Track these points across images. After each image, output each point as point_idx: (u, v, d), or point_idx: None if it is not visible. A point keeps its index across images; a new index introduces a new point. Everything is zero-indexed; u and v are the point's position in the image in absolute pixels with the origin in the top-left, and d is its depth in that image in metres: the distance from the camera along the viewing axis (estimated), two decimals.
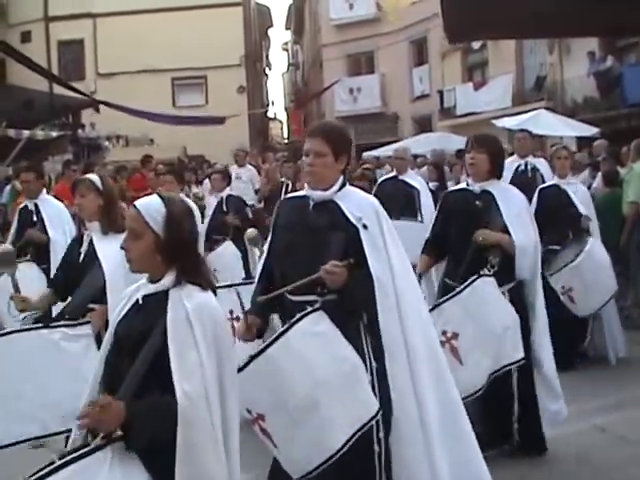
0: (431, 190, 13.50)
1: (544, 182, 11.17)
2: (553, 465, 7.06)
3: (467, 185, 7.15)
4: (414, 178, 12.66)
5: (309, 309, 4.74)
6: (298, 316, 4.67)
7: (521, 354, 6.53)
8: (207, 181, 16.92)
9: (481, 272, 6.51)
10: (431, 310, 5.95)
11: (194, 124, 32.20)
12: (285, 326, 4.71)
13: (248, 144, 35.39)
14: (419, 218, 11.73)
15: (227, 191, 12.84)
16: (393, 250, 5.06)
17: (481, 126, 28.98)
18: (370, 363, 4.86)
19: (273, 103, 71.71)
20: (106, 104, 27.18)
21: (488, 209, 6.86)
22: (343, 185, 5.20)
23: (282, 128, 74.50)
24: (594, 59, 28.36)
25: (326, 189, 5.14)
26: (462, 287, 6.41)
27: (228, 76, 41.84)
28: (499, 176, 7.06)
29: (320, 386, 4.54)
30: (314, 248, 4.98)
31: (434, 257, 7.30)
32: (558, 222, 9.86)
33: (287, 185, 14.59)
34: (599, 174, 13.49)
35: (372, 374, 4.84)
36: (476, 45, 34.80)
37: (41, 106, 26.02)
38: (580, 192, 10.44)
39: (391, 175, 12.95)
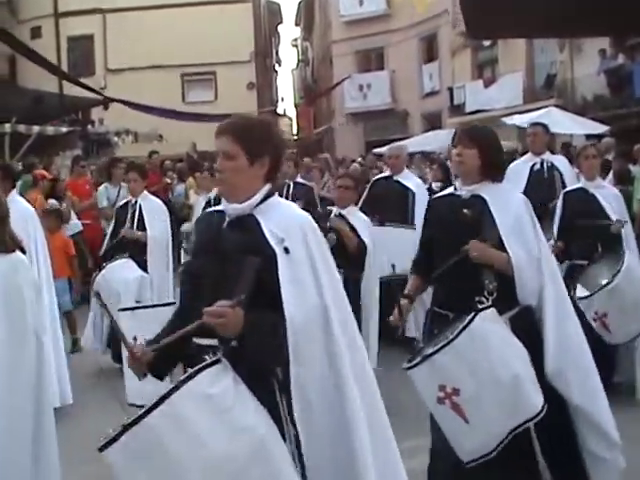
0: (434, 191, 12.57)
1: (563, 182, 9.96)
2: None
3: (455, 189, 5.74)
4: (410, 178, 11.73)
5: (207, 361, 3.70)
6: (193, 370, 3.63)
7: (540, 402, 5.08)
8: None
9: (478, 303, 5.13)
10: (420, 363, 5.00)
11: (205, 121, 32.16)
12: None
13: None
14: (413, 223, 10.72)
15: (215, 191, 11.41)
16: (326, 279, 3.97)
17: (491, 123, 28.95)
18: (289, 430, 3.86)
19: (283, 99, 71.65)
20: (117, 101, 27.17)
21: (479, 219, 5.47)
22: (268, 196, 4.12)
23: (291, 125, 74.40)
24: (605, 57, 28.30)
25: (242, 201, 4.07)
26: (457, 331, 5.00)
27: (238, 72, 41.83)
28: (495, 177, 5.63)
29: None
30: (222, 278, 3.94)
31: (426, 278, 5.85)
32: (585, 232, 8.53)
33: (288, 186, 12.89)
34: (610, 172, 13.44)
35: (291, 442, 3.85)
36: (486, 42, 34.74)
37: (51, 105, 26.03)
38: (611, 196, 8.92)
39: (385, 175, 12.07)
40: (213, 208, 4.46)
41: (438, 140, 26.30)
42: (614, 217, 8.60)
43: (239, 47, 41.35)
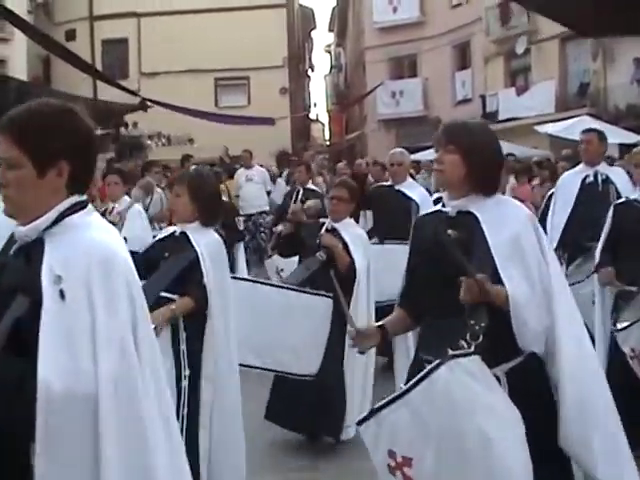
0: None
1: (619, 198, 8.15)
2: None
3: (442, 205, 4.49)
4: (413, 188, 10.48)
5: None
6: None
7: None
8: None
9: (451, 348, 3.85)
10: (367, 418, 3.92)
11: (244, 124, 32.30)
12: None
13: (290, 145, 35.54)
14: None
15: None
16: (106, 343, 2.79)
17: (523, 131, 28.93)
18: None
19: (315, 105, 71.81)
20: (153, 102, 27.30)
21: (467, 241, 4.19)
22: (65, 215, 3.01)
23: (324, 130, 74.52)
24: (639, 65, 28.19)
25: (26, 223, 3.01)
26: (412, 382, 3.81)
27: (271, 77, 41.91)
28: (487, 188, 4.33)
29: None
30: None
31: (412, 313, 4.56)
32: (636, 252, 7.02)
33: (298, 191, 12.68)
34: None
35: None
36: (519, 50, 34.69)
37: (85, 111, 26.16)
38: None
39: (386, 184, 10.88)
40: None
41: None
42: None
43: (272, 52, 41.43)
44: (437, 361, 3.75)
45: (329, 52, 77.20)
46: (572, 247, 8.83)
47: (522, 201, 11.67)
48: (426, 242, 4.37)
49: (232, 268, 10.00)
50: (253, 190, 14.75)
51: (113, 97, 27.13)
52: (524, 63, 36.24)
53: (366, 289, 7.72)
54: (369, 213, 11.11)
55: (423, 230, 4.47)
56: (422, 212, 8.94)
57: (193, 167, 10.92)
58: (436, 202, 11.75)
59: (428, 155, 28.72)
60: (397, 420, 3.79)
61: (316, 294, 7.28)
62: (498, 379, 3.96)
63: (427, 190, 11.43)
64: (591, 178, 8.99)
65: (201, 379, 5.63)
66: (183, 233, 5.92)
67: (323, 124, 75.32)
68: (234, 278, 6.86)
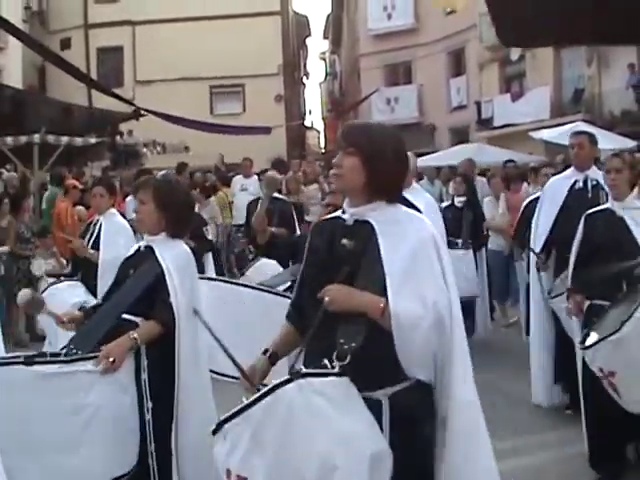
0: (457, 207, 12.26)
1: None
2: None
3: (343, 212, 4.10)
4: (418, 195, 9.13)
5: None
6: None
7: None
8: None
9: (303, 367, 3.60)
10: (214, 431, 3.61)
11: (240, 134, 32.25)
12: None
13: (285, 153, 35.53)
14: None
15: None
16: None
17: (519, 138, 28.97)
18: None
19: (310, 112, 71.95)
20: (148, 112, 27.28)
21: (361, 253, 3.85)
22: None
23: (319, 138, 74.50)
24: (633, 71, 28.22)
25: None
26: (259, 394, 3.49)
27: (266, 85, 41.98)
28: (389, 196, 3.97)
29: None
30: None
31: (300, 328, 4.16)
32: (609, 265, 6.56)
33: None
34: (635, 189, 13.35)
35: None
36: (514, 56, 34.73)
37: (80, 118, 26.18)
38: None
39: None
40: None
41: (465, 154, 26.25)
42: None
43: (267, 60, 41.49)
44: (286, 377, 3.43)
45: (324, 59, 77.18)
46: (557, 256, 8.45)
47: (516, 210, 11.45)
48: (320, 251, 4.05)
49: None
50: (245, 201, 14.37)
51: (109, 105, 27.13)
52: (519, 69, 36.28)
53: None
54: None
55: (319, 238, 4.11)
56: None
57: (161, 173, 10.56)
58: (451, 207, 11.85)
59: (423, 162, 28.83)
60: (236, 435, 3.47)
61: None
62: (380, 403, 3.66)
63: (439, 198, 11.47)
64: (580, 184, 8.40)
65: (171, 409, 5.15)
66: (149, 247, 5.48)
67: (318, 131, 75.28)
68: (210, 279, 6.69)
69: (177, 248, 5.48)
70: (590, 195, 8.21)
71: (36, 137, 19.06)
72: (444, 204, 12.89)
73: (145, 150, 29.97)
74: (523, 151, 26.86)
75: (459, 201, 12.34)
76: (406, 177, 4.18)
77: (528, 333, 9.37)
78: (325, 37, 69.00)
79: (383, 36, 42.76)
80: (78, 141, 21.25)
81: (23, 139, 19.41)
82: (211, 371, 5.82)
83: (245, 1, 41.72)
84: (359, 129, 4.07)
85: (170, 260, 5.32)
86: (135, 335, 5.07)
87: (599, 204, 7.41)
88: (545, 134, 22.37)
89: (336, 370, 3.51)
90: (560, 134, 20.14)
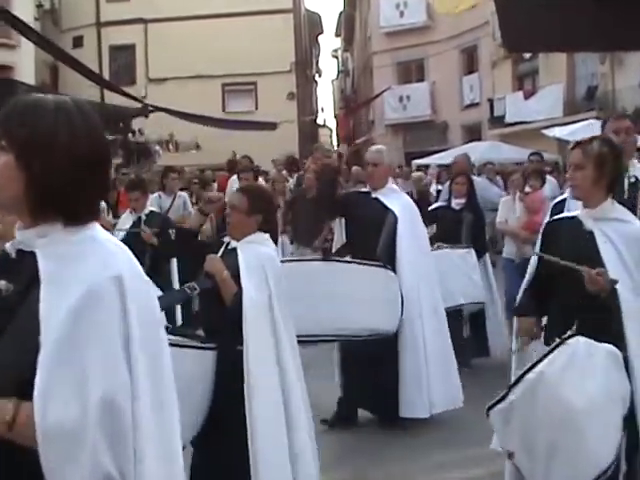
0: (454, 210, 10.66)
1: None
2: None
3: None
4: (394, 196, 8.55)
5: None
6: None
7: None
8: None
9: None
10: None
11: (246, 129, 32.24)
12: None
13: (297, 150, 35.52)
14: (393, 262, 8.03)
15: (148, 208, 10.21)
16: None
17: (531, 135, 28.87)
18: None
19: (323, 110, 71.87)
20: (158, 109, 27.32)
21: (17, 304, 2.41)
22: None
23: (331, 135, 74.53)
24: None
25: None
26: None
27: (278, 82, 41.95)
28: (67, 212, 2.43)
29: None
30: None
31: None
32: (570, 293, 5.00)
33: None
34: None
35: None
36: (527, 54, 34.60)
37: None
38: (624, 236, 4.98)
39: (364, 190, 8.88)
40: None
41: (478, 152, 26.22)
42: (611, 271, 4.81)
43: (279, 57, 41.49)
44: None
45: (336, 57, 77.30)
46: None
47: (535, 213, 10.57)
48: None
49: (169, 284, 9.65)
50: None
51: (121, 102, 27.17)
52: (531, 67, 36.14)
53: (269, 326, 5.47)
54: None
55: None
56: (402, 225, 8.16)
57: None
58: (447, 209, 10.66)
59: (437, 160, 28.83)
60: None
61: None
62: None
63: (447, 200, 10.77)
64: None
65: None
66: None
67: (331, 129, 75.34)
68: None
69: None
70: (627, 195, 6.26)
71: None
72: (436, 204, 11.59)
73: (157, 148, 30.02)
74: (536, 149, 26.79)
75: (457, 203, 10.76)
76: (108, 182, 2.74)
77: None
78: (337, 35, 68.99)
79: (395, 34, 42.67)
80: None
81: None
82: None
83: None
84: (17, 111, 2.45)
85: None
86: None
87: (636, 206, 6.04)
88: (558, 132, 22.31)
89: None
90: (573, 132, 20.10)
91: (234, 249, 5.69)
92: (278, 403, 5.30)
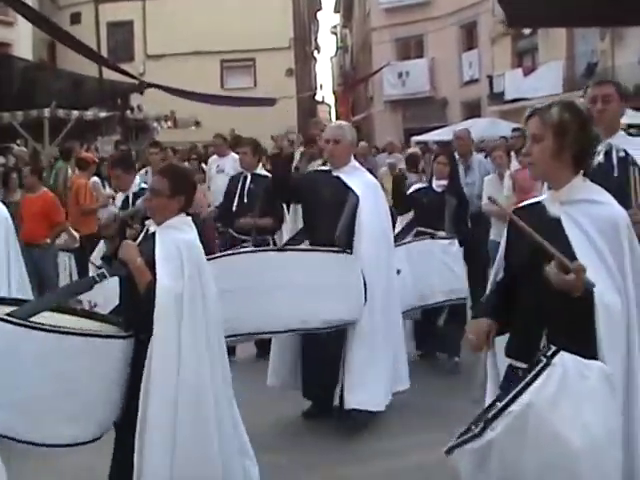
0: (436, 192, 9.87)
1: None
2: None
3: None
4: (356, 174, 7.97)
5: None
6: None
7: None
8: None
9: None
10: None
11: (244, 105, 32.17)
12: None
13: (296, 127, 35.44)
14: (350, 245, 7.50)
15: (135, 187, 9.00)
16: None
17: None
18: None
19: (321, 86, 71.68)
20: (153, 86, 27.23)
21: None
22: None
23: (330, 112, 74.36)
24: None
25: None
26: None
27: (277, 59, 41.85)
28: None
29: None
30: None
31: None
32: (533, 296, 4.09)
33: (245, 177, 10.41)
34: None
35: None
36: (526, 30, 34.48)
37: (90, 90, 26.22)
38: (599, 221, 3.90)
39: (323, 168, 8.25)
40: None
41: (477, 128, 26.15)
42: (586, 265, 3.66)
43: (278, 34, 41.37)
44: None
45: (335, 33, 77.06)
46: None
47: (524, 191, 9.79)
48: None
49: None
50: (222, 184, 11.92)
51: (119, 77, 27.12)
52: (531, 43, 36.06)
53: (189, 320, 5.18)
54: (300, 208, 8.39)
55: None
56: (363, 205, 7.52)
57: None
58: (428, 190, 9.77)
59: (435, 136, 28.75)
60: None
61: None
62: None
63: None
64: (600, 157, 5.62)
65: None
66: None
67: (329, 106, 75.14)
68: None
69: None
70: (616, 172, 5.62)
71: (46, 111, 19.07)
72: (415, 187, 10.43)
73: (156, 124, 29.96)
74: None
75: (439, 185, 9.92)
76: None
77: None
78: (336, 11, 68.82)
79: (394, 10, 42.57)
80: (88, 115, 21.27)
81: (34, 113, 19.42)
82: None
83: None
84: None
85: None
86: None
87: (627, 183, 5.53)
88: None
89: None
90: None
91: (154, 234, 5.42)
92: (172, 403, 5.09)
